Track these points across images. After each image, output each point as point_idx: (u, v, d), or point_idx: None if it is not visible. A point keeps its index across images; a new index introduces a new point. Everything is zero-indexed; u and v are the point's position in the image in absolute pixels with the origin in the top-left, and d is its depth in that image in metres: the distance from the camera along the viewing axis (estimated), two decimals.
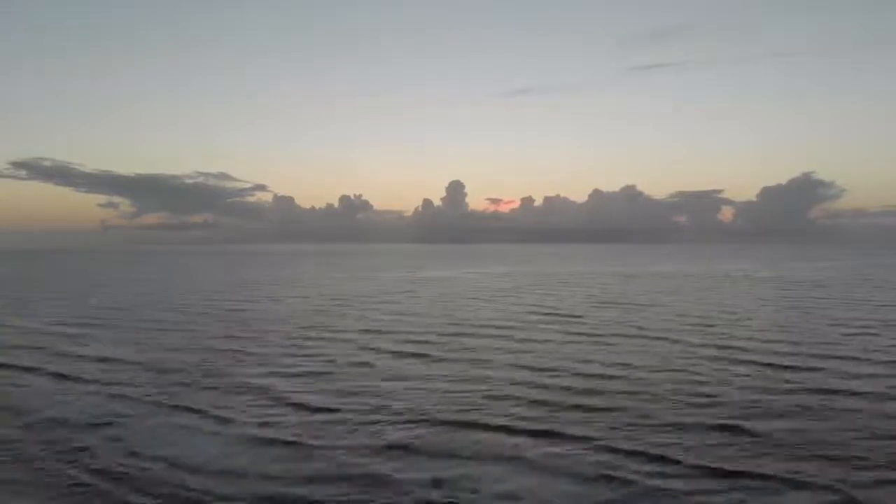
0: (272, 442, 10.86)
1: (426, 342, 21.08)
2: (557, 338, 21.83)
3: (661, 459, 9.90)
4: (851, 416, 12.17)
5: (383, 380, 15.48)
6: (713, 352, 18.90)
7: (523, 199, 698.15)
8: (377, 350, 19.67)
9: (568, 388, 14.40)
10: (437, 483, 9.04)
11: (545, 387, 14.59)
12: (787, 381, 15.00)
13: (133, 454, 10.26)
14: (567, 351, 19.28)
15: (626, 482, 9.01)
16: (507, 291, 42.87)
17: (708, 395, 13.70)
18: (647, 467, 9.61)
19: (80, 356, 18.96)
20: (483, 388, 14.52)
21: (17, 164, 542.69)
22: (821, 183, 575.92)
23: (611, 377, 15.55)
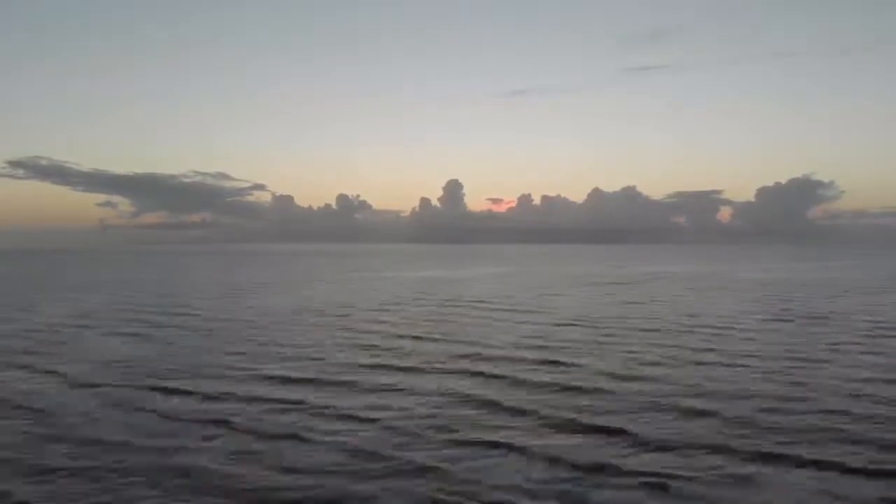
0: (270, 439, 10.87)
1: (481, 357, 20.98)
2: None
3: None
4: None
5: (373, 388, 15.53)
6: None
7: (522, 199, 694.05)
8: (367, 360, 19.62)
9: None
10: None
11: None
12: None
13: (132, 452, 10.27)
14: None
15: None
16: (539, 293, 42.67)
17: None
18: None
19: (80, 356, 18.93)
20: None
21: (14, 164, 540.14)
22: (820, 183, 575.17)
23: None
